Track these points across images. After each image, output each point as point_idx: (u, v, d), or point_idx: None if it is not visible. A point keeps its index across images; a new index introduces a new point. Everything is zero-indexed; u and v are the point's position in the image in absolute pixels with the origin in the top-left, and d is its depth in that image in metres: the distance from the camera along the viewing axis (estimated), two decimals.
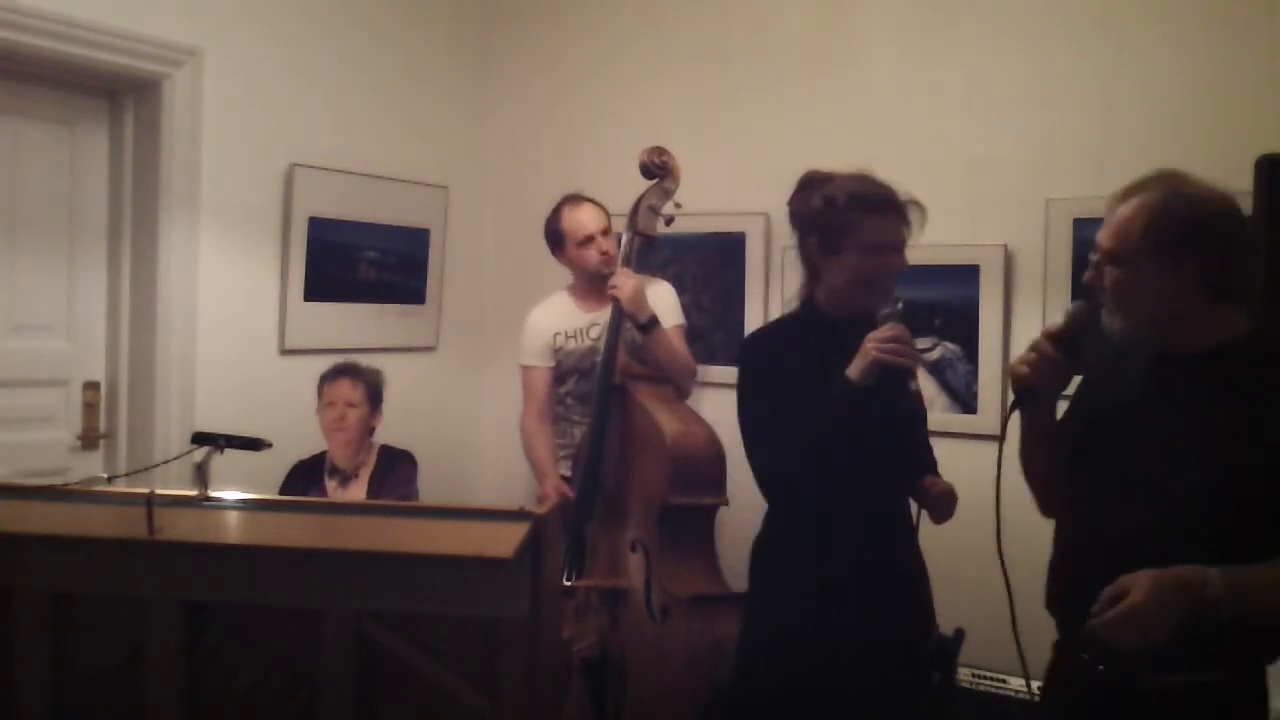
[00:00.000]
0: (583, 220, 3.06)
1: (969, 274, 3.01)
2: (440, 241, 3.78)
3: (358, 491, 3.05)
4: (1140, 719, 1.61)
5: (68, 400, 3.03)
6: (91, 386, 3.07)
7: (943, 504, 2.03)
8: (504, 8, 3.96)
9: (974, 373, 3.01)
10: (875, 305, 1.94)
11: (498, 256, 4.00)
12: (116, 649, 1.68)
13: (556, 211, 3.12)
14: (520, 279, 3.78)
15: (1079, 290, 1.75)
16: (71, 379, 3.04)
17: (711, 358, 3.42)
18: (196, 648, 1.67)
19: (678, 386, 2.99)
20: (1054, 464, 1.78)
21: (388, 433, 3.18)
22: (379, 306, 3.61)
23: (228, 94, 3.11)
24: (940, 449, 2.29)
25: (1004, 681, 2.63)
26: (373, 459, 3.12)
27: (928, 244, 2.07)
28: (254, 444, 1.96)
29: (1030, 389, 1.72)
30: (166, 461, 2.61)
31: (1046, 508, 1.86)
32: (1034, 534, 1.83)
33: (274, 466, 3.00)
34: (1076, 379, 1.81)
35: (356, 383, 3.07)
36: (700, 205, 3.18)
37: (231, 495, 1.90)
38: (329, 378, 3.09)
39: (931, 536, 2.08)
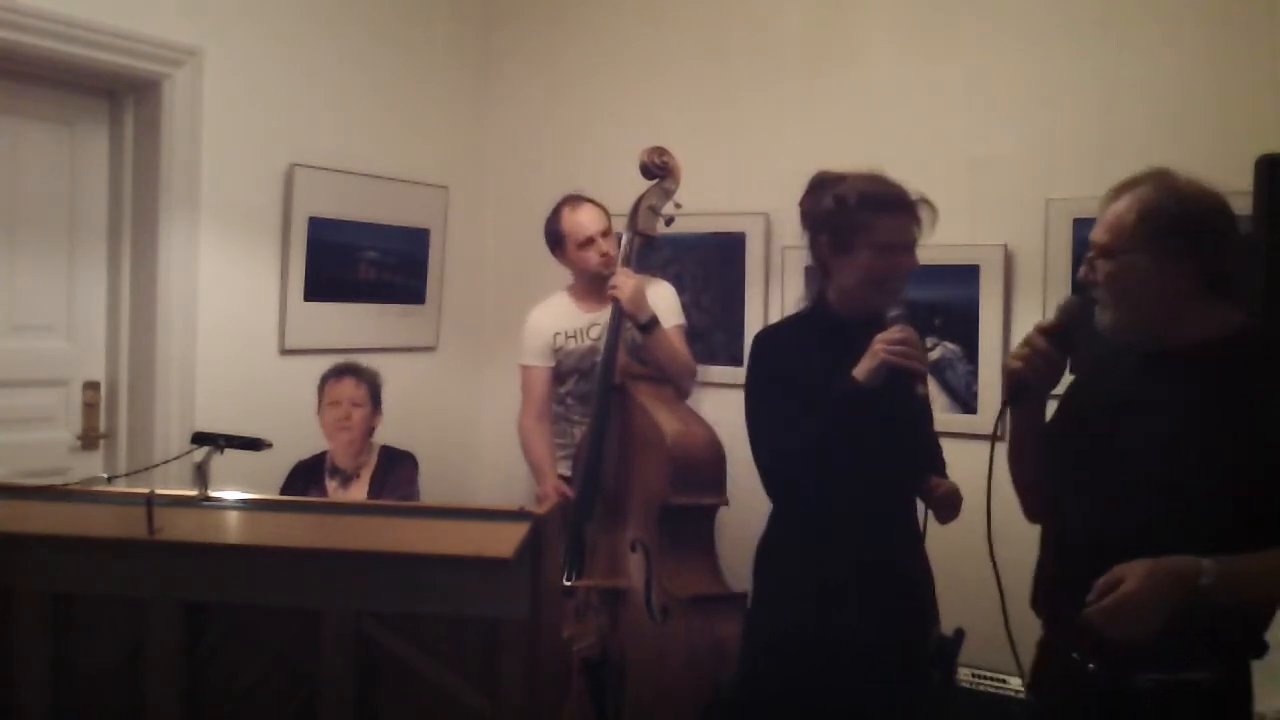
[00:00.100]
0: (583, 221, 3.05)
1: (969, 274, 3.01)
2: (440, 241, 3.79)
3: (359, 492, 3.05)
4: (1130, 718, 1.62)
5: (68, 400, 3.03)
6: (91, 386, 3.07)
7: (947, 505, 2.03)
8: (504, 8, 3.96)
9: (974, 373, 3.02)
10: (886, 305, 1.96)
11: (498, 256, 4.00)
12: (116, 649, 1.68)
13: (556, 212, 3.12)
14: (520, 279, 3.78)
15: (1079, 291, 1.76)
16: (71, 379, 3.04)
17: (711, 358, 3.42)
18: (196, 648, 1.67)
19: (678, 386, 2.99)
20: (1042, 465, 1.79)
21: (388, 433, 3.18)
22: (379, 306, 3.61)
23: (228, 94, 3.11)
24: None
25: (1004, 681, 2.64)
26: (374, 459, 3.12)
27: (928, 244, 2.07)
28: (254, 444, 1.96)
29: (1023, 383, 1.73)
30: (166, 461, 2.61)
31: (1032, 510, 1.87)
32: (1030, 534, 1.84)
33: (274, 466, 3.00)
34: (1066, 381, 1.82)
35: (360, 382, 3.08)
36: (700, 205, 3.18)
37: (231, 495, 1.91)
38: (333, 377, 3.09)
39: (932, 536, 2.08)
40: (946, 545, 2.14)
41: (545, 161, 3.83)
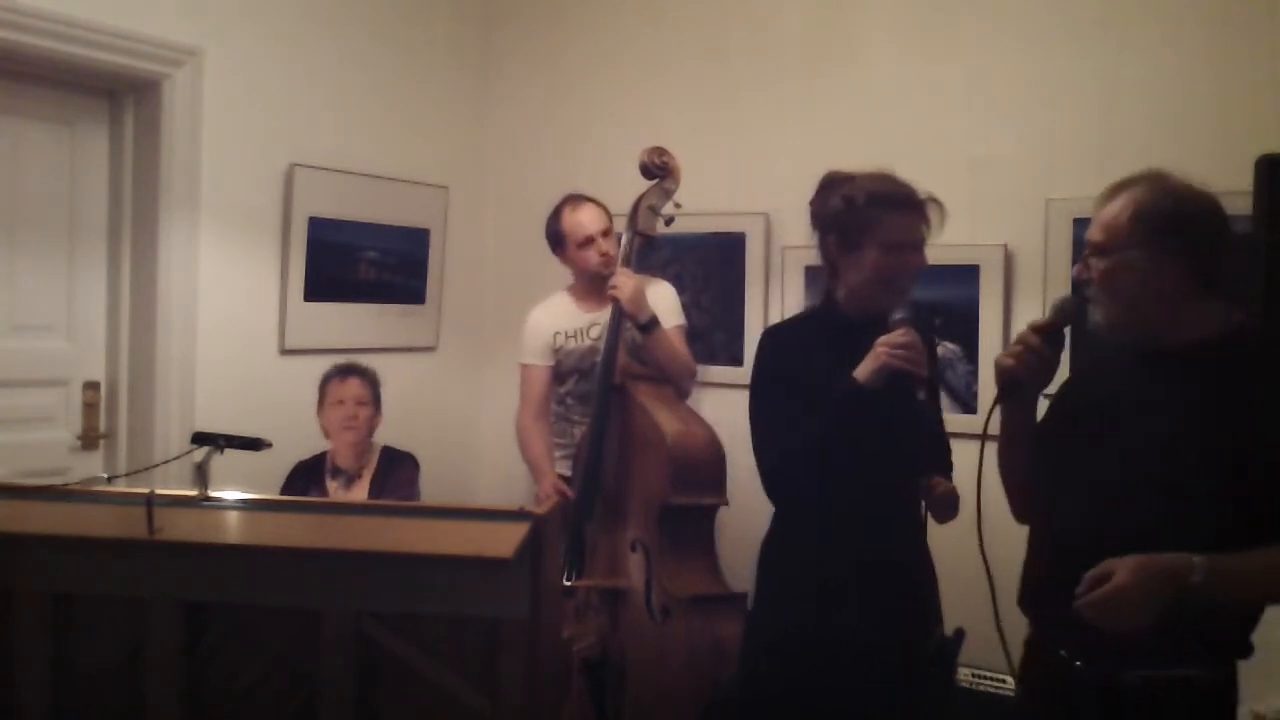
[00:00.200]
0: (583, 221, 3.05)
1: (969, 274, 3.01)
2: (440, 241, 3.79)
3: (360, 492, 3.05)
4: (1118, 715, 1.62)
5: (68, 400, 3.03)
6: (91, 386, 3.07)
7: (945, 505, 2.03)
8: (504, 8, 3.96)
9: (974, 373, 3.02)
10: (894, 304, 1.96)
11: (498, 256, 4.00)
12: (116, 649, 1.69)
13: (557, 212, 3.12)
14: (520, 279, 3.78)
15: (1077, 290, 1.77)
16: (71, 379, 3.04)
17: (711, 358, 3.42)
18: (196, 648, 1.67)
19: (678, 386, 2.99)
20: (1033, 464, 1.79)
21: (388, 433, 3.18)
22: (379, 306, 3.61)
23: (228, 94, 3.11)
24: None
25: (1004, 681, 2.64)
26: (375, 460, 3.12)
27: (929, 244, 2.07)
28: (254, 444, 1.96)
29: (1015, 381, 1.73)
30: (166, 461, 2.61)
31: (1021, 510, 1.87)
32: (1024, 533, 1.84)
33: (274, 466, 3.00)
34: (1059, 380, 1.82)
35: (364, 382, 3.09)
36: (700, 205, 3.18)
37: (231, 495, 1.91)
38: (337, 377, 3.09)
39: (932, 536, 2.08)
40: (947, 545, 2.14)
41: (545, 161, 3.83)
